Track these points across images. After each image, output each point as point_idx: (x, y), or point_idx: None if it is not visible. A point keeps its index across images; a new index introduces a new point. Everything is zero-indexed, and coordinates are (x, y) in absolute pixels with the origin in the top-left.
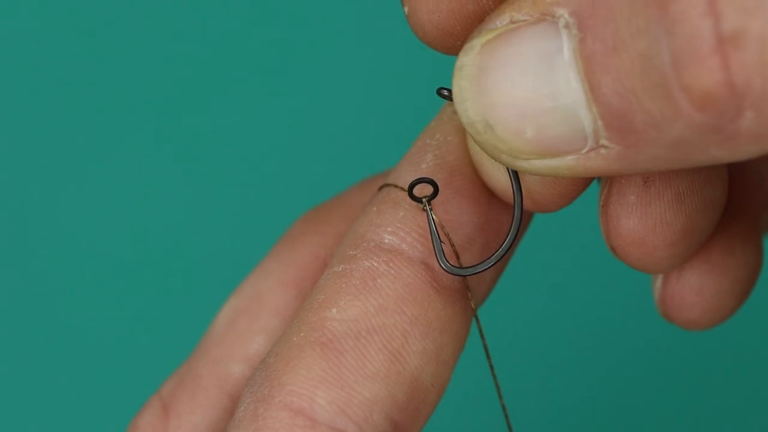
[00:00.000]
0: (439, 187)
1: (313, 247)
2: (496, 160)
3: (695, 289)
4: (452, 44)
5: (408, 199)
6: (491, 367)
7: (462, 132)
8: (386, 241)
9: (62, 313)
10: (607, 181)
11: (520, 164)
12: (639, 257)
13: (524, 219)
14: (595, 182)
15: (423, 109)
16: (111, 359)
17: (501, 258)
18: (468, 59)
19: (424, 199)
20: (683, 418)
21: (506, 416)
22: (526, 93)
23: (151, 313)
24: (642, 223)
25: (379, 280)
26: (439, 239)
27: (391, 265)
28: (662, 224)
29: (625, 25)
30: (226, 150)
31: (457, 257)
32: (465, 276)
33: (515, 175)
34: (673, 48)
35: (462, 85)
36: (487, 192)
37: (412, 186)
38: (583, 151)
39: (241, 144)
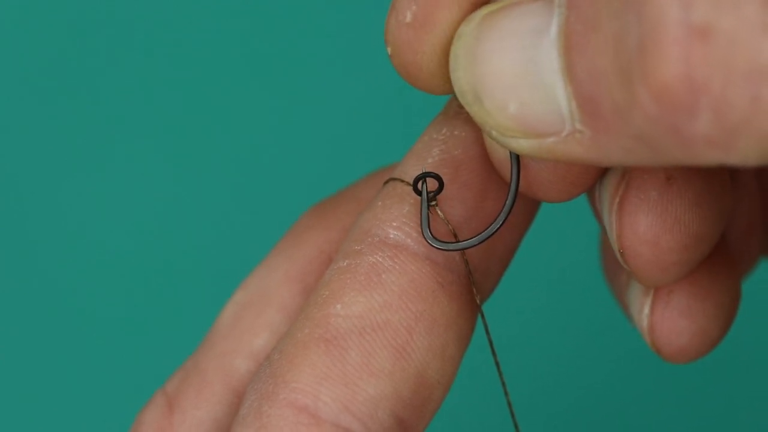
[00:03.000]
0: (445, 183)
1: (318, 242)
2: (488, 136)
3: (684, 312)
4: (437, 84)
5: (413, 193)
6: (497, 363)
7: (469, 126)
8: (391, 236)
9: (67, 309)
10: (623, 176)
11: (508, 142)
12: (650, 259)
13: (530, 210)
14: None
15: (429, 102)
16: (116, 355)
17: (490, 236)
18: (467, 29)
19: (420, 183)
20: (692, 410)
21: (512, 412)
22: (512, 67)
23: (156, 308)
24: (660, 221)
25: (383, 276)
26: (428, 214)
27: (396, 260)
28: (680, 225)
29: (605, 5)
30: (231, 145)
31: (464, 254)
32: (451, 251)
33: (515, 154)
34: (640, 32)
35: (457, 54)
36: (494, 187)
37: (416, 181)
38: (563, 134)
39: (246, 138)
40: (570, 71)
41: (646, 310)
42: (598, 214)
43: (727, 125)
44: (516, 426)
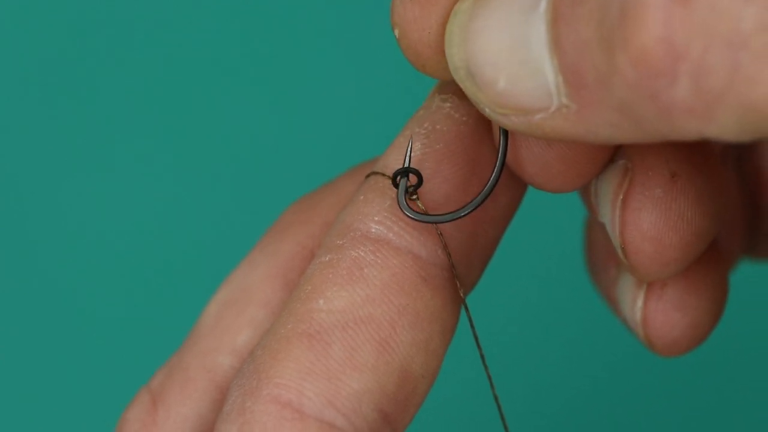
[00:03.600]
0: (427, 177)
1: (300, 237)
2: (483, 113)
3: (678, 305)
4: (444, 66)
5: (395, 188)
6: (482, 356)
7: (450, 121)
8: (373, 230)
9: (50, 308)
10: (627, 172)
11: (500, 119)
12: (652, 255)
13: (511, 204)
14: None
15: (412, 96)
16: (100, 353)
17: (473, 210)
18: (464, 5)
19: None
20: (679, 405)
21: (498, 405)
22: (502, 43)
23: (140, 306)
24: (664, 218)
25: (366, 270)
26: (406, 181)
27: (378, 254)
28: (683, 222)
29: None
30: (216, 141)
31: (445, 246)
32: (429, 223)
33: (505, 132)
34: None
35: (452, 31)
36: (475, 181)
37: (395, 176)
38: (550, 110)
39: (229, 135)
40: (556, 43)
41: (639, 303)
42: (592, 209)
43: (706, 93)
44: (502, 418)
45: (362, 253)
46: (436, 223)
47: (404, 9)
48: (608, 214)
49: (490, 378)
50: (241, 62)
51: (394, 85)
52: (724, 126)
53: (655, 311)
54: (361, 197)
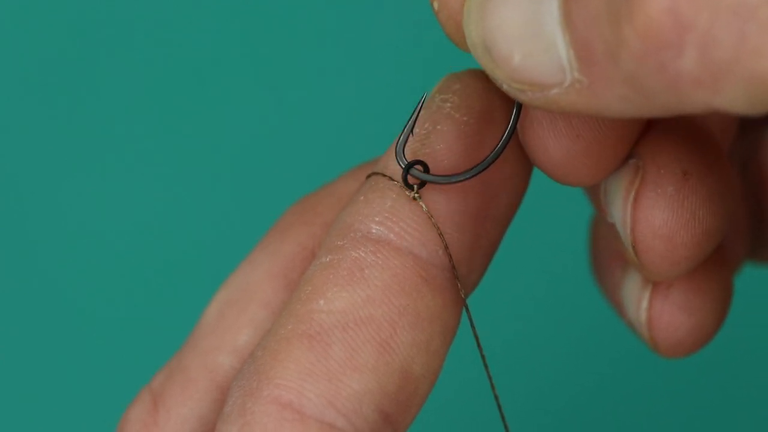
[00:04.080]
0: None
1: (301, 238)
2: (500, 89)
3: (683, 306)
4: None
5: (396, 188)
6: (482, 356)
7: (451, 121)
8: (374, 231)
9: (51, 308)
10: (638, 170)
11: (519, 94)
12: (663, 254)
13: (512, 203)
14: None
15: (412, 96)
16: (101, 353)
17: (474, 175)
18: None
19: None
20: (682, 405)
21: (499, 405)
22: (517, 18)
23: (141, 306)
24: (676, 216)
25: (366, 271)
26: (406, 133)
27: (378, 255)
28: (694, 220)
29: None
30: (216, 141)
31: (446, 247)
32: (432, 182)
33: (518, 106)
34: None
35: (470, 8)
36: (477, 181)
37: (407, 168)
38: (564, 85)
39: (229, 135)
40: (567, 18)
41: (645, 304)
42: (601, 209)
43: (714, 63)
44: (503, 419)
45: (363, 254)
46: (439, 183)
47: None
48: (619, 212)
49: (490, 378)
50: (242, 62)
51: (395, 85)
52: (731, 98)
53: (660, 312)
54: (362, 198)
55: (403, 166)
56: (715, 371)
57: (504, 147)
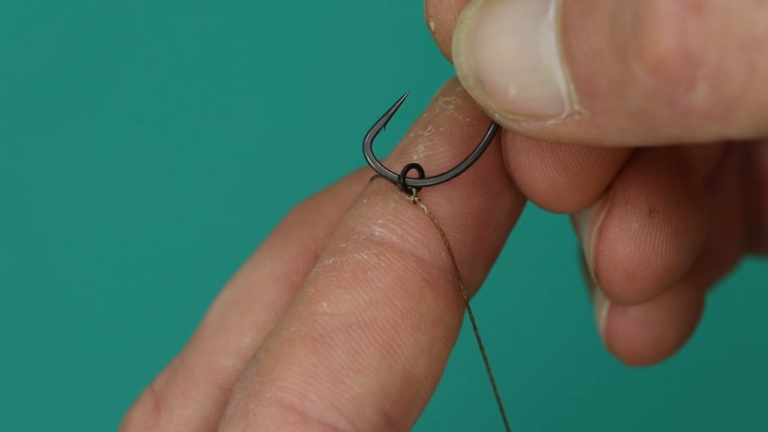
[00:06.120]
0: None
1: (304, 240)
2: (492, 119)
3: (639, 321)
4: None
5: (399, 191)
6: (485, 358)
7: (454, 124)
8: (377, 233)
9: (55, 308)
10: (606, 203)
11: (512, 125)
12: (622, 284)
13: (515, 209)
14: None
15: (415, 99)
16: (103, 354)
17: (459, 173)
18: (469, 12)
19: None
20: (683, 405)
21: (500, 407)
22: (511, 50)
23: (143, 307)
24: (638, 252)
25: (369, 273)
26: (378, 127)
27: (381, 257)
28: (656, 256)
29: None
30: (219, 143)
31: (449, 249)
32: (424, 185)
33: (495, 126)
34: (635, 9)
35: (459, 38)
36: (479, 183)
37: (404, 172)
38: (562, 116)
39: (234, 137)
40: (567, 53)
41: (604, 314)
42: (576, 227)
43: (725, 97)
44: (505, 420)
45: (366, 257)
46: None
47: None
48: (585, 239)
49: (492, 380)
50: (243, 65)
51: (397, 87)
52: (741, 127)
53: (617, 324)
54: (365, 200)
55: (398, 174)
56: (716, 371)
57: (485, 146)
